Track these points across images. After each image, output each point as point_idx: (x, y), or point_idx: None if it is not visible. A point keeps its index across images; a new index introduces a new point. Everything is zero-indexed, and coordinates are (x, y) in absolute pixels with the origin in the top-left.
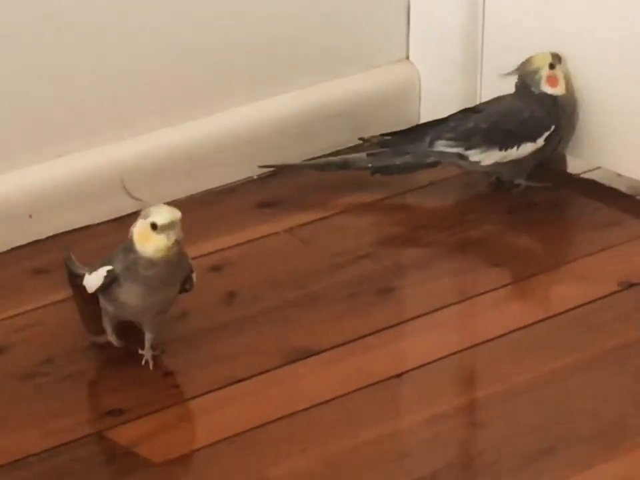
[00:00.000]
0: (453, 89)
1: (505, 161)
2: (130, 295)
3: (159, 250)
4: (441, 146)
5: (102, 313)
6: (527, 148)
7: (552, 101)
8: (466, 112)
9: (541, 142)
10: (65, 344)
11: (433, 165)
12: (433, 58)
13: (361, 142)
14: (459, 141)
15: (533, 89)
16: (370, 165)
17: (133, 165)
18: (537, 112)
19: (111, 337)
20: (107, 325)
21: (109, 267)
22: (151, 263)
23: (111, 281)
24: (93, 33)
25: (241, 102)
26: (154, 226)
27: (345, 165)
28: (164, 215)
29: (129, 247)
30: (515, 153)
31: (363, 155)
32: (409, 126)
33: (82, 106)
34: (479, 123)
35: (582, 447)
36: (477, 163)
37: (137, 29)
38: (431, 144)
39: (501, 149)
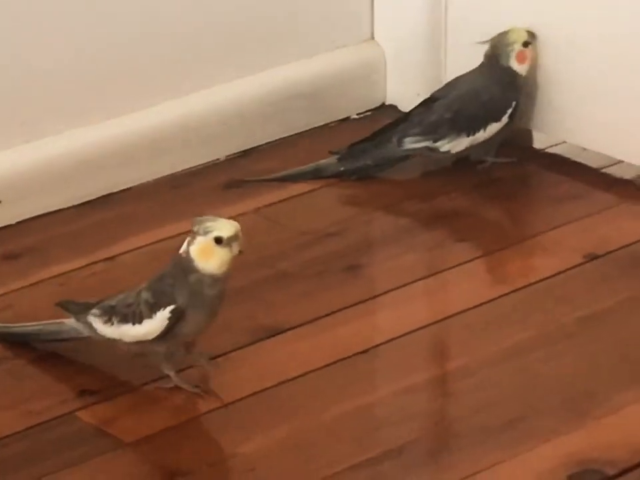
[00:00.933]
0: (418, 67)
1: (474, 144)
2: (194, 324)
3: (223, 264)
4: (409, 143)
5: (152, 357)
6: (494, 127)
7: (513, 78)
8: (426, 103)
9: (505, 119)
10: None
11: (404, 158)
12: (397, 37)
13: (330, 154)
14: (426, 135)
15: (501, 61)
16: (342, 169)
17: (100, 150)
18: (496, 91)
19: (178, 379)
20: (166, 367)
21: (172, 306)
22: (215, 279)
23: (177, 321)
24: (55, 19)
25: (207, 85)
26: (219, 240)
27: (316, 172)
28: (227, 227)
29: (186, 269)
30: (483, 135)
31: (333, 159)
32: (375, 106)
33: (48, 92)
34: (443, 113)
35: (549, 417)
36: (448, 152)
37: (96, 18)
38: (400, 143)
39: (468, 135)
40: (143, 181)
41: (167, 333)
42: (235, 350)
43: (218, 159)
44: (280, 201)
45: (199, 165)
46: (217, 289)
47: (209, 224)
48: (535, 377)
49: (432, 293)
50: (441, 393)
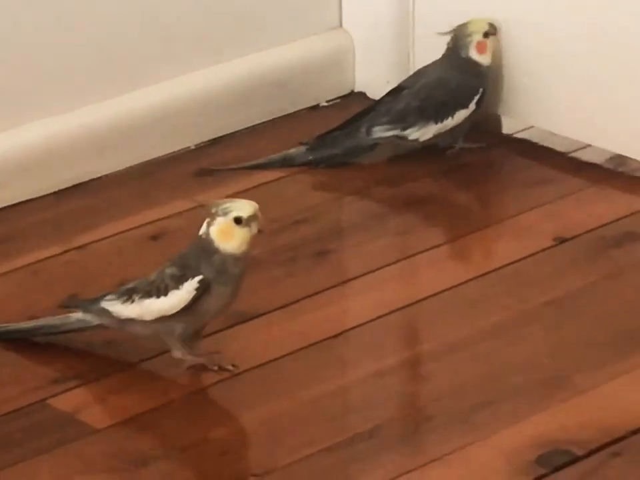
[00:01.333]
0: (386, 55)
1: (442, 131)
2: (218, 300)
3: (243, 243)
4: (378, 132)
5: (167, 338)
6: (462, 114)
7: (475, 67)
8: (394, 93)
9: (472, 106)
10: (8, 316)
11: (373, 147)
12: (366, 25)
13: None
14: (395, 124)
15: (461, 52)
16: (311, 157)
17: (70, 139)
18: (463, 78)
19: (189, 356)
20: (178, 347)
21: (199, 277)
22: (237, 259)
23: (203, 292)
24: (24, 7)
25: (176, 73)
26: (238, 220)
27: (286, 161)
28: (246, 207)
29: (208, 250)
30: (451, 122)
31: (302, 148)
32: (345, 93)
33: (16, 81)
34: (410, 102)
35: (518, 399)
36: (416, 140)
37: (62, 7)
38: (368, 132)
39: (437, 122)
40: (114, 169)
41: (191, 306)
42: (207, 335)
43: (188, 147)
44: (250, 188)
45: (170, 153)
46: (240, 268)
47: (227, 204)
48: (504, 360)
49: (402, 278)
50: (411, 376)
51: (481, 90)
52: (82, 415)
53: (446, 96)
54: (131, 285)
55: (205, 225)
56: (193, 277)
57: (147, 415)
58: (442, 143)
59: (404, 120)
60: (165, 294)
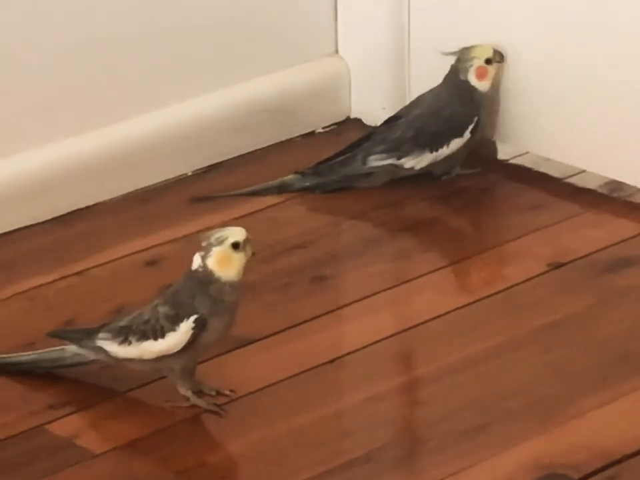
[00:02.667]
0: (382, 81)
1: (438, 160)
2: (215, 333)
3: (241, 269)
4: (374, 161)
5: (169, 375)
6: (456, 143)
7: (471, 93)
8: (389, 122)
9: (467, 135)
10: (6, 342)
11: (369, 175)
12: (362, 51)
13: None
14: (390, 152)
15: (460, 76)
16: (308, 184)
17: (67, 166)
18: (457, 106)
19: (193, 396)
20: (183, 386)
21: (195, 316)
22: (234, 286)
23: (200, 330)
24: (20, 34)
25: (172, 100)
26: (236, 245)
27: (282, 188)
28: (238, 232)
29: (204, 282)
30: (445, 151)
31: (298, 175)
32: (340, 119)
33: (13, 108)
34: (406, 131)
35: (514, 423)
36: (412, 168)
37: (60, 34)
38: (364, 161)
39: (432, 151)
40: (111, 196)
41: (190, 344)
42: (203, 362)
43: (185, 174)
44: (246, 215)
45: (166, 180)
46: (236, 295)
47: (219, 234)
48: (499, 384)
49: (398, 303)
50: (407, 400)
51: (475, 119)
52: (79, 440)
53: (440, 125)
54: (124, 323)
55: (197, 258)
56: (188, 316)
57: (145, 439)
58: (438, 170)
59: (399, 149)
60: (162, 336)
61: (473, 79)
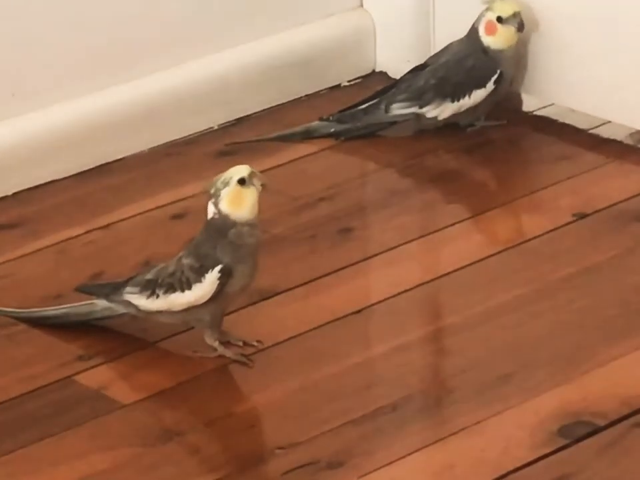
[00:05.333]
0: (407, 34)
1: (461, 110)
2: (241, 279)
3: (254, 204)
4: (397, 109)
5: (198, 325)
6: (479, 94)
7: (483, 46)
8: (414, 71)
9: (490, 86)
10: (35, 294)
11: (393, 124)
12: (386, 5)
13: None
14: (413, 101)
15: (478, 27)
16: (333, 130)
17: (94, 120)
18: (480, 58)
19: (221, 347)
20: (211, 337)
21: (219, 266)
22: (252, 227)
23: (226, 280)
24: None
25: (198, 54)
26: (242, 181)
27: (307, 133)
28: (242, 169)
29: (222, 229)
30: (468, 101)
31: (323, 122)
32: (366, 73)
33: (38, 63)
34: (429, 80)
35: (539, 372)
36: (435, 118)
37: None
38: (387, 109)
39: (453, 101)
40: (138, 150)
41: (218, 294)
42: (230, 313)
43: (211, 128)
44: (272, 167)
45: (193, 134)
46: (255, 236)
47: (223, 176)
48: (525, 333)
49: (424, 254)
50: (433, 350)
51: (498, 71)
52: (108, 390)
53: (462, 76)
54: (150, 276)
55: (211, 206)
56: (212, 267)
57: (173, 390)
58: (463, 121)
59: (421, 97)
60: (189, 287)
61: (482, 32)
